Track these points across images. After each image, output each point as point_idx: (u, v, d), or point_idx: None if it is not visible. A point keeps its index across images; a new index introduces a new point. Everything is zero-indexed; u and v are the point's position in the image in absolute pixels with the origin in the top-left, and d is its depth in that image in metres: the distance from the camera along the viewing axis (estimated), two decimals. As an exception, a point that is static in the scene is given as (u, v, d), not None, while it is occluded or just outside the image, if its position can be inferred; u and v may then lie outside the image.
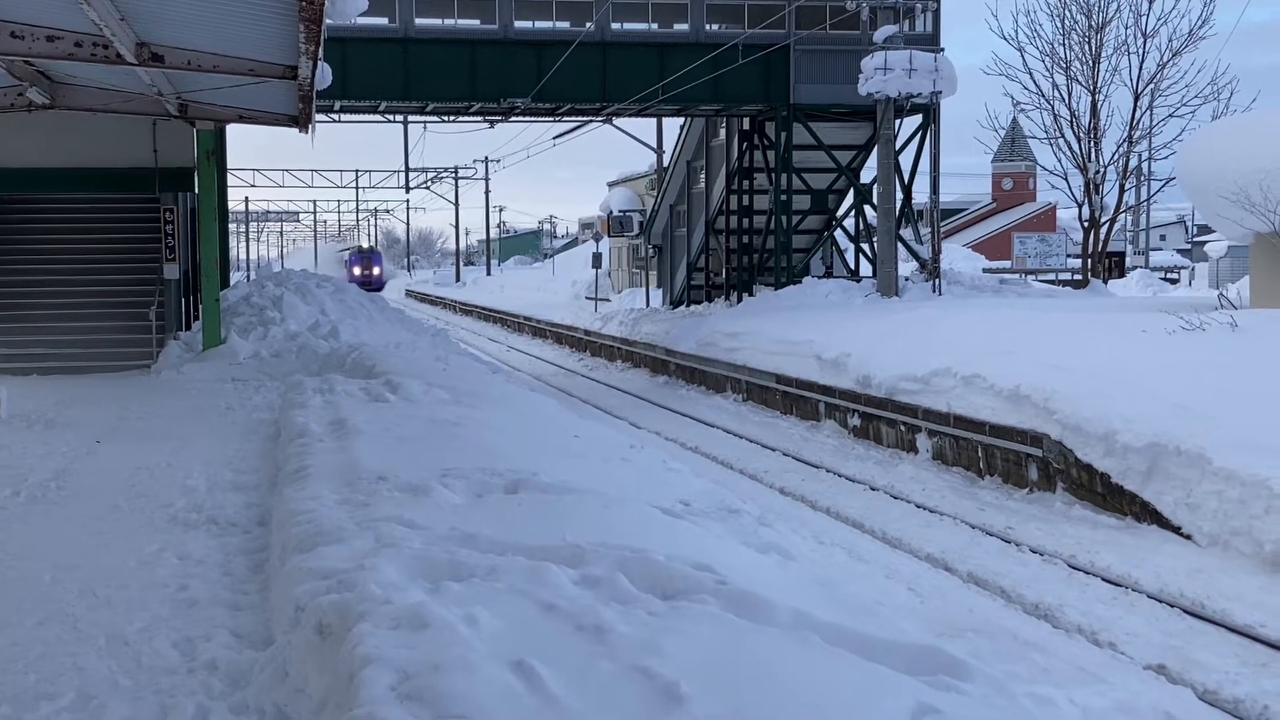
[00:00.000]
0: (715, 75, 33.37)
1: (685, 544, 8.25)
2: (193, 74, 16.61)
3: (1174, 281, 62.32)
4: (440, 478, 9.97)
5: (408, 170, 70.11)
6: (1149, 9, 37.36)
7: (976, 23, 55.29)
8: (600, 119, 40.27)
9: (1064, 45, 37.89)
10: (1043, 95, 38.42)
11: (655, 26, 37.13)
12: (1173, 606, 11.92)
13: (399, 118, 47.78)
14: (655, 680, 5.44)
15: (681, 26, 36.22)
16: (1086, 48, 37.66)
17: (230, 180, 42.20)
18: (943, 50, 32.68)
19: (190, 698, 6.36)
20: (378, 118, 41.52)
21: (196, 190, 24.52)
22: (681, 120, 42.78)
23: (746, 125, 37.83)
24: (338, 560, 7.40)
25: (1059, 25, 38.06)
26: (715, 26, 36.72)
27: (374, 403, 15.33)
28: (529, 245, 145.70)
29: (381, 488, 9.68)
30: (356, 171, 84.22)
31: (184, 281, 25.38)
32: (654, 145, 52.27)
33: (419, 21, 34.41)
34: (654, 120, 50.09)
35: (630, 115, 39.94)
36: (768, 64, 34.18)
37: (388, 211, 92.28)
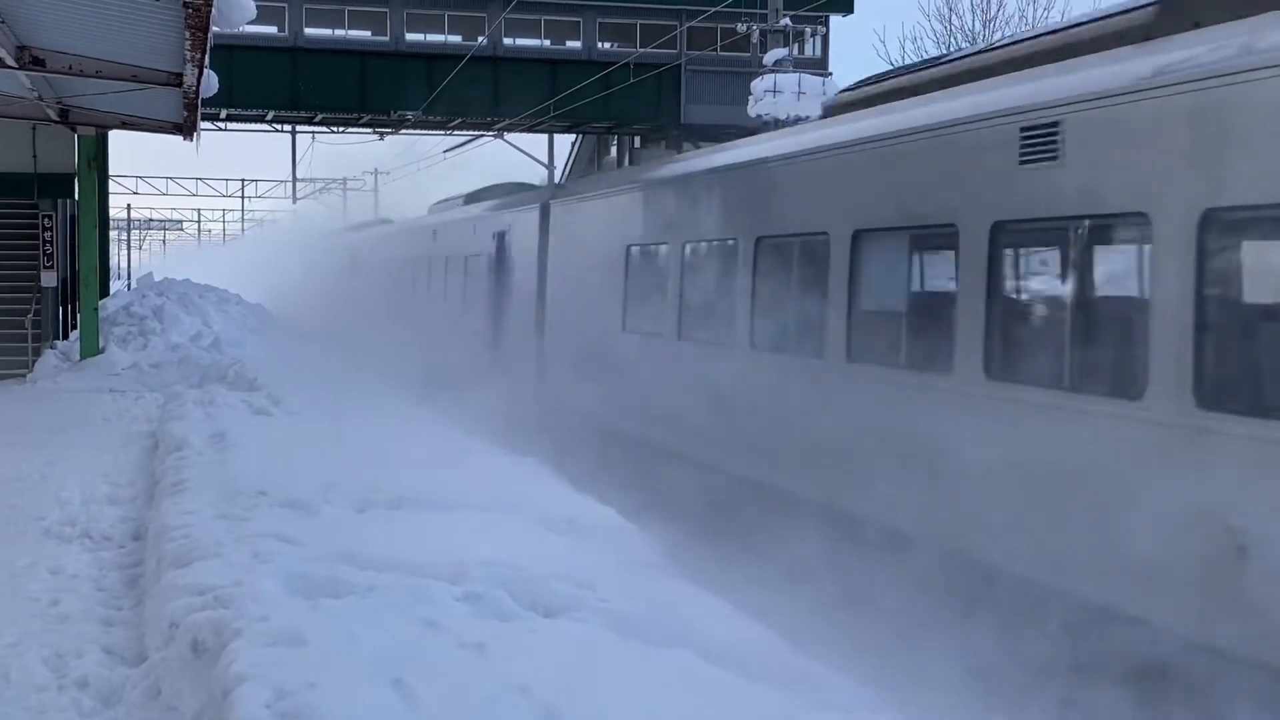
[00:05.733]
0: (607, 93, 33.52)
1: (569, 561, 8.26)
2: (75, 79, 16.31)
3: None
4: (322, 492, 9.88)
5: (295, 180, 69.31)
6: (1032, 39, 38.15)
7: (864, 49, 56.07)
8: (492, 133, 40.22)
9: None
10: (928, 121, 39.03)
11: (548, 43, 37.24)
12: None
13: (287, 127, 47.33)
14: (534, 699, 5.45)
15: (574, 44, 36.35)
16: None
17: (112, 187, 41.49)
18: (831, 75, 33.08)
19: (60, 715, 6.22)
20: (265, 127, 41.15)
21: (77, 197, 24.07)
22: (573, 136, 42.87)
23: (638, 143, 38.01)
24: (214, 576, 7.30)
25: (944, 53, 38.71)
26: (607, 45, 36.89)
27: (256, 416, 15.13)
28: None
29: (261, 502, 9.57)
30: (243, 180, 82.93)
31: (62, 290, 24.86)
32: (545, 161, 52.26)
33: (309, 31, 34.18)
34: (546, 136, 50.15)
35: (522, 130, 39.96)
36: (659, 84, 34.40)
37: (274, 222, 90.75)
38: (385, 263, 35.42)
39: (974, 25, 38.56)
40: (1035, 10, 38.38)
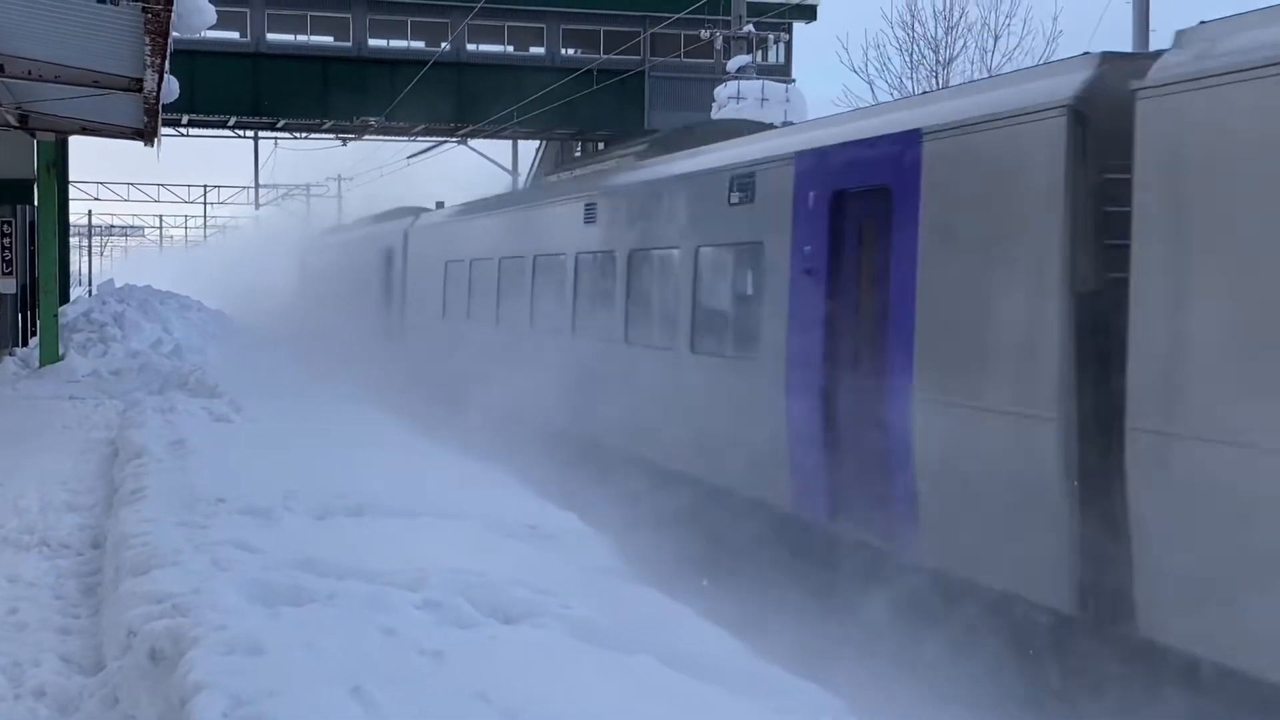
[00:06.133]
0: (571, 99, 33.51)
1: (530, 567, 8.25)
2: (34, 84, 16.21)
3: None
4: (282, 500, 9.84)
5: (258, 186, 69.01)
6: (994, 46, 38.40)
7: (828, 55, 56.36)
8: (455, 139, 40.17)
9: (912, 79, 38.74)
10: (891, 127, 39.16)
11: (511, 49, 37.21)
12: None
13: (249, 133, 47.13)
14: (495, 705, 5.43)
15: (538, 50, 36.37)
16: (934, 82, 38.53)
17: (73, 193, 41.21)
18: (794, 81, 33.19)
19: (15, 725, 6.18)
20: (227, 132, 40.95)
21: (36, 203, 23.89)
22: (538, 143, 42.88)
23: (602, 149, 38.03)
24: (173, 584, 7.25)
25: (907, 60, 38.90)
26: (571, 51, 36.91)
27: (216, 422, 15.07)
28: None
29: (221, 510, 9.52)
30: (205, 187, 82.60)
31: (21, 296, 24.69)
32: (509, 168, 52.21)
33: (271, 36, 34.07)
34: (510, 142, 50.14)
35: (486, 137, 39.91)
36: (623, 89, 34.42)
37: (238, 229, 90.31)
38: (461, 268, 22.54)
39: (937, 32, 38.74)
40: (998, 18, 38.58)
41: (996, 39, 38.33)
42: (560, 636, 6.61)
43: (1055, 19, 54.67)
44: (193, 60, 31.11)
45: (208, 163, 76.93)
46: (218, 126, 39.84)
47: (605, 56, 34.10)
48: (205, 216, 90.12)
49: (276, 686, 5.38)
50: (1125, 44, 20.01)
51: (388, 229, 29.44)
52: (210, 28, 15.62)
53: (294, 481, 10.69)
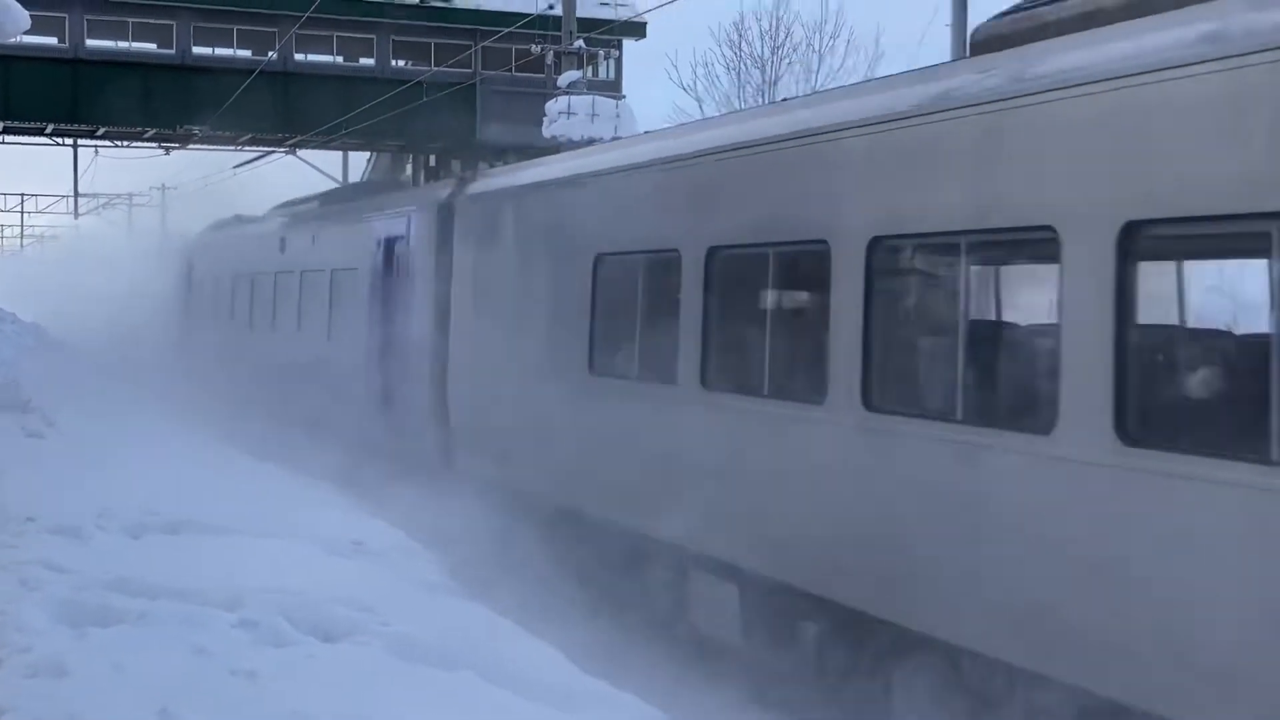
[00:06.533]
0: (401, 111, 33.24)
1: (353, 585, 8.15)
2: None
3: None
4: (95, 518, 9.57)
5: (77, 195, 67.02)
6: (819, 66, 39.13)
7: (657, 72, 56.96)
8: (284, 150, 39.54)
9: (739, 97, 39.27)
10: (721, 144, 39.63)
11: (341, 59, 36.80)
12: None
13: (68, 140, 45.83)
14: (309, 725, 5.35)
15: (367, 61, 36.01)
16: (761, 100, 39.12)
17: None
18: (624, 97, 33.35)
19: None
20: (45, 140, 39.80)
21: None
22: (368, 154, 42.47)
23: (434, 162, 37.82)
24: (-25, 606, 7.01)
25: (735, 78, 39.43)
26: (402, 63, 36.63)
27: (29, 438, 14.59)
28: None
29: (30, 529, 9.23)
30: (22, 195, 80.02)
31: None
32: (339, 178, 51.49)
33: (90, 42, 33.22)
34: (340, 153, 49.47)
35: (315, 147, 39.37)
36: (454, 102, 34.25)
37: (55, 239, 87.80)
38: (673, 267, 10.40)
39: (763, 52, 39.36)
40: (822, 39, 39.33)
41: (821, 59, 39.08)
42: (380, 654, 6.53)
43: (877, 41, 55.80)
44: (7, 66, 30.21)
45: (25, 171, 74.66)
46: (35, 134, 38.66)
47: (436, 69, 33.87)
48: (22, 226, 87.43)
49: (80, 710, 5.24)
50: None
51: (385, 208, 19.38)
52: (26, 32, 15.15)
53: (108, 499, 10.40)
